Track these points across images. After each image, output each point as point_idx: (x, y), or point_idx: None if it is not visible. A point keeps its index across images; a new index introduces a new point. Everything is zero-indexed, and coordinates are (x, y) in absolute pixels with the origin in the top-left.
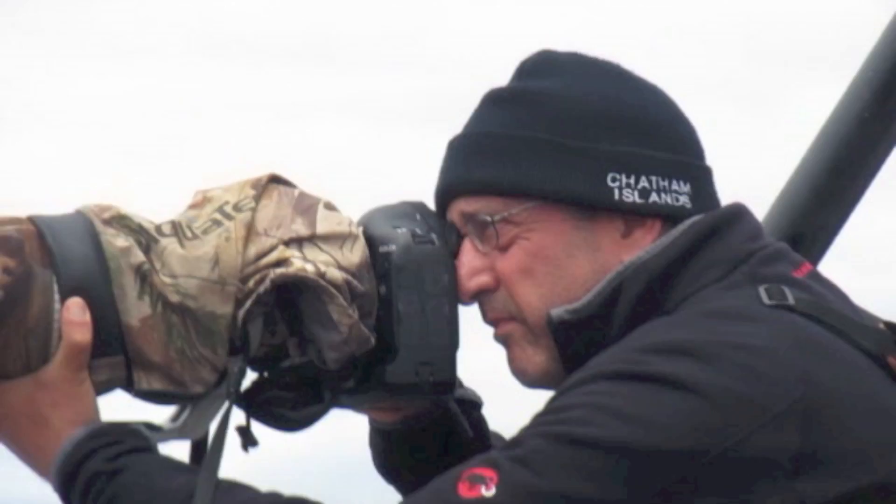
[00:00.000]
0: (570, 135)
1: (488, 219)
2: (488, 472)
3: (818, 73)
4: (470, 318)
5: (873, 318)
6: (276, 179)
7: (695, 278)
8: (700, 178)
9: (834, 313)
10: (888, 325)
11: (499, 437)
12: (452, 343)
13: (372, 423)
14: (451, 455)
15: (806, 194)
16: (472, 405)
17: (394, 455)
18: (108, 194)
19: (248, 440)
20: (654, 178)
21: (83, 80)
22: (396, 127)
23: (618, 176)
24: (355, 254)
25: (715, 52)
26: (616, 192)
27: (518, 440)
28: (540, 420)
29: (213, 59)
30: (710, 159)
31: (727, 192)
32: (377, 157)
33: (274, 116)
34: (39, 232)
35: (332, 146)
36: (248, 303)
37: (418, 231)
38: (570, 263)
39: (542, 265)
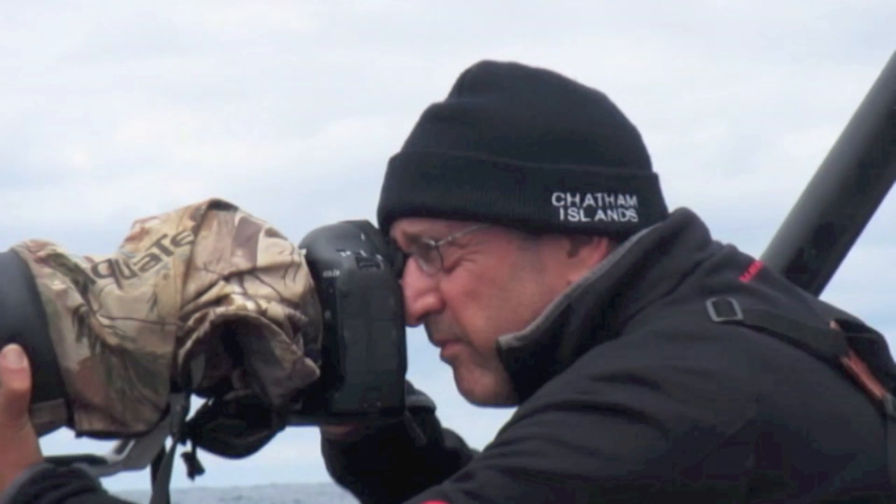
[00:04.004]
0: (512, 155)
1: (432, 243)
2: None
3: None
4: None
5: (827, 313)
6: (216, 205)
7: (642, 294)
8: (646, 188)
9: (784, 321)
10: (840, 321)
11: (455, 435)
12: (400, 367)
13: (323, 433)
14: (405, 461)
15: (835, 185)
16: (424, 410)
17: (347, 465)
18: None
19: (194, 468)
20: (599, 195)
21: None
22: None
23: (562, 195)
24: (298, 283)
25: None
26: (561, 212)
27: (470, 473)
28: (492, 452)
29: None
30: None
31: None
32: None
33: None
34: None
35: None
36: (189, 343)
37: (363, 254)
38: (515, 286)
39: (488, 288)
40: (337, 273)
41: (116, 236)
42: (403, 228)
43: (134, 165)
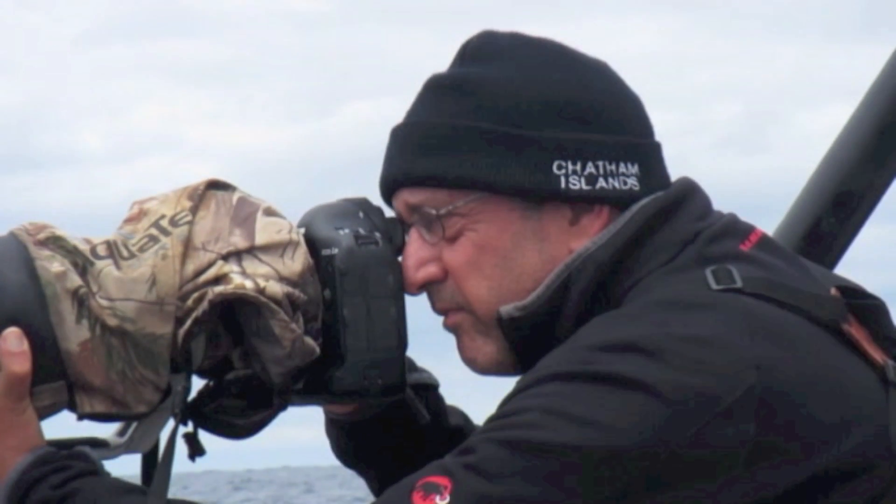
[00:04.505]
0: (513, 124)
1: (433, 212)
2: (442, 481)
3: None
4: None
5: (827, 281)
6: (214, 185)
7: (643, 264)
8: (648, 156)
9: (784, 288)
10: (841, 288)
11: (459, 412)
12: (400, 345)
13: (327, 414)
14: (410, 440)
15: (853, 153)
16: (427, 388)
17: (352, 445)
18: None
19: (195, 450)
20: (600, 163)
21: None
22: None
23: (563, 164)
24: (297, 261)
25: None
26: (562, 180)
27: (471, 446)
28: (492, 425)
29: None
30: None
31: None
32: None
33: None
34: None
35: None
36: (188, 322)
37: (361, 231)
38: (518, 255)
39: (490, 257)
40: (336, 251)
41: None
42: (405, 199)
43: (148, 147)
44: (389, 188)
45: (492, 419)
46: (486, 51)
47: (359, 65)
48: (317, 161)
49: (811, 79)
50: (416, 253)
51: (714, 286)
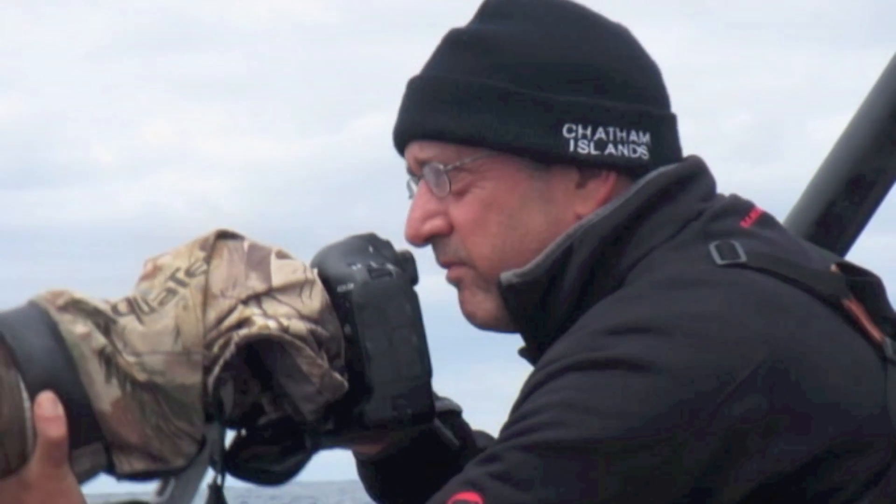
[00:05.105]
0: (527, 84)
1: (441, 167)
2: (473, 497)
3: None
4: None
5: (826, 260)
6: (223, 235)
7: (645, 239)
8: (661, 126)
9: (787, 263)
10: (841, 265)
11: (485, 435)
12: (425, 372)
13: (356, 456)
14: (441, 468)
15: (866, 137)
16: (451, 414)
17: (385, 482)
18: None
19: (219, 500)
20: (611, 130)
21: None
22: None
23: (574, 127)
24: (315, 300)
25: None
26: (571, 143)
27: (495, 455)
28: (513, 429)
29: None
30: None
31: None
32: None
33: None
34: None
35: None
36: (216, 369)
37: (373, 265)
38: (523, 214)
39: (496, 215)
40: (351, 286)
41: (143, 233)
42: (415, 152)
43: (160, 162)
44: (401, 140)
45: (511, 423)
46: (506, 9)
47: (369, 77)
48: (329, 174)
49: (821, 87)
50: (424, 206)
51: (718, 261)
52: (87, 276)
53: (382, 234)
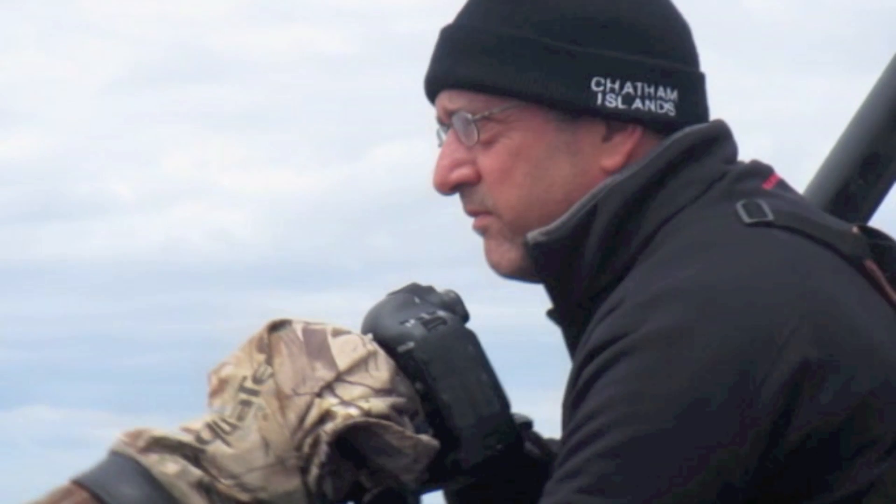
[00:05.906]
0: (558, 37)
1: (469, 117)
2: None
3: None
4: None
5: (846, 224)
6: (273, 328)
7: (672, 198)
8: (688, 84)
9: (811, 222)
10: (862, 228)
11: (556, 441)
12: (504, 405)
13: (445, 494)
14: (526, 481)
15: (881, 116)
16: (526, 426)
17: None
18: None
19: None
20: (639, 84)
21: None
22: None
23: (602, 80)
24: (382, 370)
25: None
26: (599, 96)
27: (576, 469)
28: (583, 434)
29: None
30: None
31: None
32: None
33: None
34: (94, 495)
35: None
36: (315, 470)
37: (425, 316)
38: (550, 165)
39: (523, 165)
40: (412, 344)
41: (163, 266)
42: (444, 103)
43: (179, 194)
44: (432, 89)
45: (578, 426)
46: None
47: (389, 106)
48: (351, 205)
49: (839, 111)
50: (452, 154)
51: (746, 220)
52: (110, 309)
53: (403, 262)
